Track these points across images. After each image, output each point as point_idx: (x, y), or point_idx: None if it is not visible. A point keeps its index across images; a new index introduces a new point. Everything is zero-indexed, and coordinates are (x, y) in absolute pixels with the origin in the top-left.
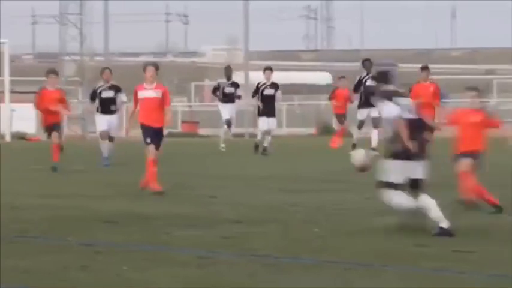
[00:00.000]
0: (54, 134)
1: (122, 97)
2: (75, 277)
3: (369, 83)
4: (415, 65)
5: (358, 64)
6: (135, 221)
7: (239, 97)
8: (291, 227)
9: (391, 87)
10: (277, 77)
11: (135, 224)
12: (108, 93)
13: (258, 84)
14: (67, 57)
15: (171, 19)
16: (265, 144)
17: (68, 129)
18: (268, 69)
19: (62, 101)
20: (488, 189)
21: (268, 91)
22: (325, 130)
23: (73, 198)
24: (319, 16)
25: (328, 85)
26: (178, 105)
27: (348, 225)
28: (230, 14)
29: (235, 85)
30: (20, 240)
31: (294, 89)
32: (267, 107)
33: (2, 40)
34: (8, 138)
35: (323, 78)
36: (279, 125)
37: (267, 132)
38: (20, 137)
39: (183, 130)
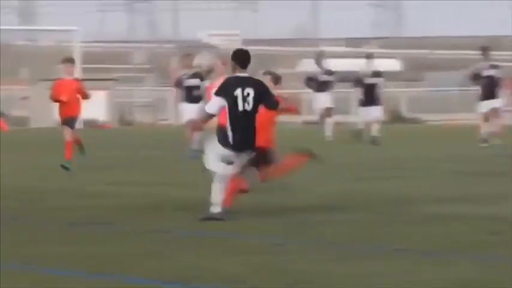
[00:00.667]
0: (67, 130)
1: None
2: (146, 264)
3: (487, 73)
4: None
5: (427, 51)
6: (206, 208)
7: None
8: (362, 214)
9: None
10: (346, 63)
11: (206, 212)
12: (193, 81)
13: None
14: (136, 45)
15: (240, 6)
16: (375, 134)
17: (139, 117)
18: (370, 56)
19: (78, 91)
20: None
21: (371, 80)
22: (396, 117)
23: (143, 185)
24: (388, 3)
25: (396, 72)
26: None
27: (418, 213)
28: (299, 2)
29: (330, 72)
30: (90, 227)
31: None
32: (370, 96)
33: (72, 28)
34: (79, 125)
35: (392, 65)
36: (350, 111)
37: (373, 121)
38: (91, 124)
39: None
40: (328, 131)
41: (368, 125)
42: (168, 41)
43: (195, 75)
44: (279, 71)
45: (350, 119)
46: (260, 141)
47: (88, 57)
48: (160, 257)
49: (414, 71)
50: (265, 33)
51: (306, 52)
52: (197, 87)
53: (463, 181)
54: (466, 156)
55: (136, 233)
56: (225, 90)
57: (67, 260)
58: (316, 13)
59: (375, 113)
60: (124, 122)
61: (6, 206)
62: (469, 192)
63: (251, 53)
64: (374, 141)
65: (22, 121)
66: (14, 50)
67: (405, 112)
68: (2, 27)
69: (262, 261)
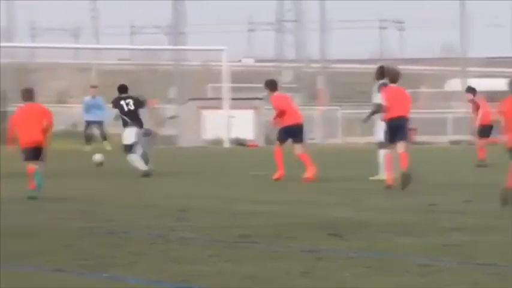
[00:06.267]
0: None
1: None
2: (297, 283)
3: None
4: None
5: None
6: (356, 228)
7: None
8: None
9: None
10: (493, 83)
11: (356, 231)
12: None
13: None
14: (284, 64)
15: (386, 26)
16: None
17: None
18: None
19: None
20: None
21: None
22: None
23: (294, 204)
24: None
25: None
26: None
27: None
28: (446, 21)
29: None
30: (241, 246)
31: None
32: None
33: (220, 47)
34: (226, 144)
35: None
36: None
37: None
38: (238, 143)
39: None
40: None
41: None
42: (315, 61)
43: None
44: (423, 90)
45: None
46: None
47: (236, 77)
48: (311, 276)
49: None
50: (411, 52)
51: (452, 72)
52: None
53: None
54: None
55: (287, 252)
56: None
57: (222, 279)
58: (464, 32)
59: None
60: (270, 141)
61: (159, 224)
62: None
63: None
64: None
65: (170, 140)
66: (163, 69)
67: None
68: (150, 46)
69: (413, 281)
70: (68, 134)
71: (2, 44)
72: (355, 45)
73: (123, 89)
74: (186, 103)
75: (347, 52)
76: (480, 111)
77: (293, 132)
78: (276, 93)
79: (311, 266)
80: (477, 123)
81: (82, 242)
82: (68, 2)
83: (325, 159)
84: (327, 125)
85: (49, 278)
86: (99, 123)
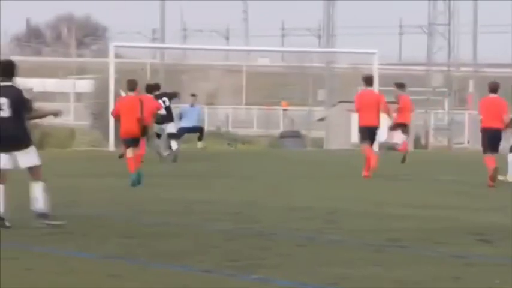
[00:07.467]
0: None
1: None
2: None
3: None
4: None
5: None
6: (506, 234)
7: None
8: None
9: None
10: None
11: (506, 238)
12: None
13: None
14: (434, 68)
15: None
16: None
17: (434, 140)
18: None
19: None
20: None
21: None
22: None
23: (442, 209)
24: None
25: None
26: None
27: None
28: None
29: None
30: (389, 250)
31: None
32: None
33: (371, 50)
34: (376, 148)
35: None
36: None
37: None
38: (388, 147)
39: None
40: None
41: None
42: (465, 64)
43: None
44: None
45: None
46: None
47: (386, 80)
48: (461, 282)
49: None
50: None
51: None
52: None
53: None
54: None
55: (436, 257)
56: None
57: (371, 282)
58: None
59: None
60: (420, 145)
61: (307, 226)
62: None
63: None
64: None
65: (319, 142)
66: (313, 71)
67: None
68: (301, 48)
69: None
70: (214, 135)
71: (154, 45)
72: (507, 49)
73: (156, 88)
74: (336, 106)
75: (498, 56)
76: None
77: (364, 133)
78: (362, 90)
79: (460, 271)
80: None
81: (230, 243)
82: (219, 3)
83: (476, 164)
84: (477, 130)
85: (198, 279)
86: (194, 129)
